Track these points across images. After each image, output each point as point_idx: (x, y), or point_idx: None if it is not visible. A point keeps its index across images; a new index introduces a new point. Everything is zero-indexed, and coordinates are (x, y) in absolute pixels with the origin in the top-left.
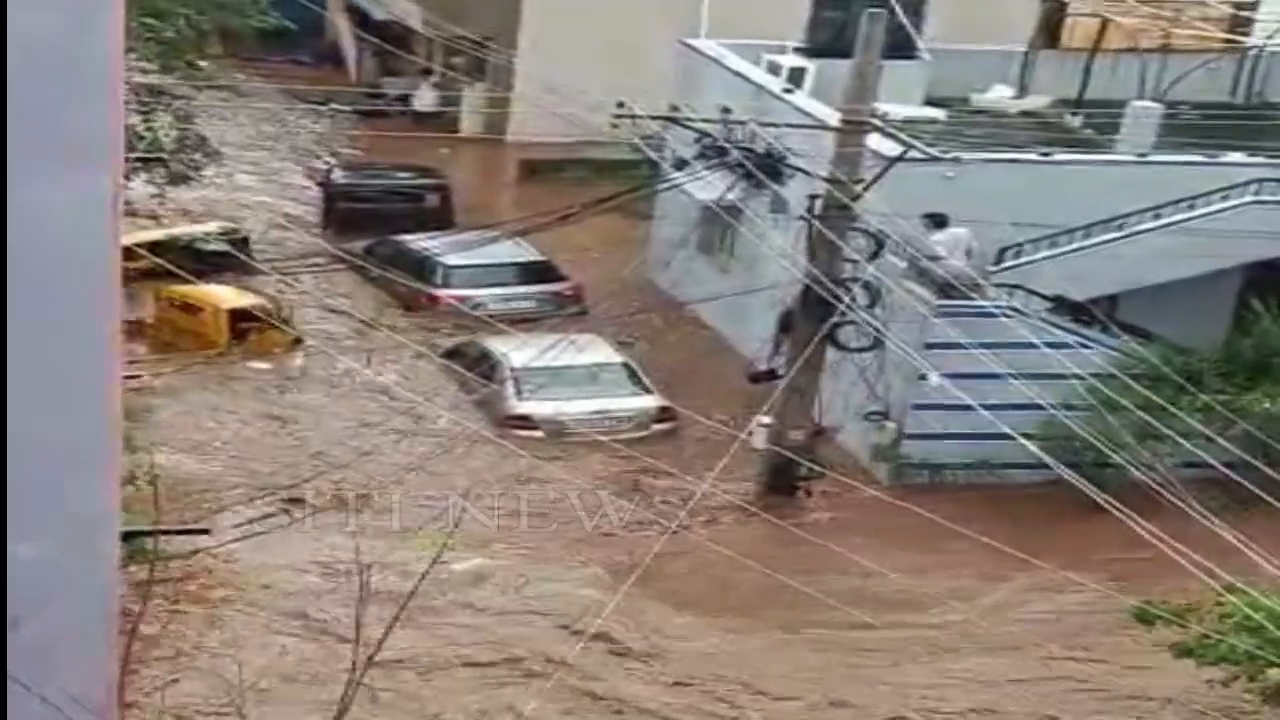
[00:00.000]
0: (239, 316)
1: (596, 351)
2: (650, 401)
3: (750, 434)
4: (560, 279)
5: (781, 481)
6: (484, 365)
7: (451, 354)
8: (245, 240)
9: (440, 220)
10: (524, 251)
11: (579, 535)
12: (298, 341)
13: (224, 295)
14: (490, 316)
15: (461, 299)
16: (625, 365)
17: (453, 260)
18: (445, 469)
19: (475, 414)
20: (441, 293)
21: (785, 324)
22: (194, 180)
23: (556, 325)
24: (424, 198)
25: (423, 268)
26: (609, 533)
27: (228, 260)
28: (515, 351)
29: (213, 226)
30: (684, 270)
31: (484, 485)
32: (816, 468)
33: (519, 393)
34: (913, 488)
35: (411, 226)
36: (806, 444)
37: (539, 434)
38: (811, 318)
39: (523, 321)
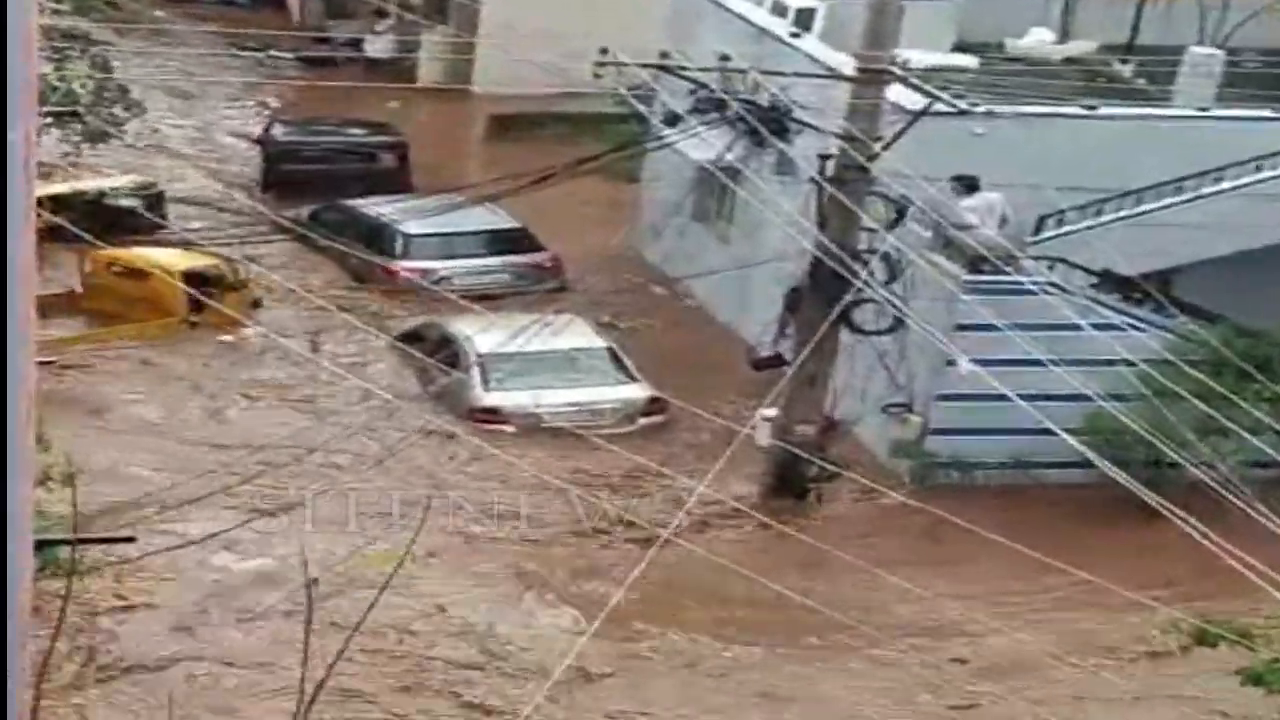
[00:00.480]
0: (193, 281)
1: (576, 334)
2: (637, 391)
3: (753, 428)
4: (537, 249)
5: (788, 483)
6: (446, 350)
7: (409, 337)
8: (160, 196)
9: (396, 183)
10: (496, 218)
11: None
12: (256, 304)
13: (173, 258)
14: (457, 292)
15: (423, 272)
16: (609, 350)
17: (413, 228)
18: (396, 467)
19: (436, 406)
20: (400, 265)
21: (792, 303)
22: (114, 137)
23: (531, 303)
24: (377, 157)
25: (379, 236)
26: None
27: (141, 219)
28: (482, 334)
29: (123, 180)
30: (677, 241)
31: (431, 486)
32: (829, 467)
33: (486, 381)
34: (939, 489)
35: (363, 190)
36: (817, 440)
37: (509, 428)
38: (823, 295)
39: (494, 298)
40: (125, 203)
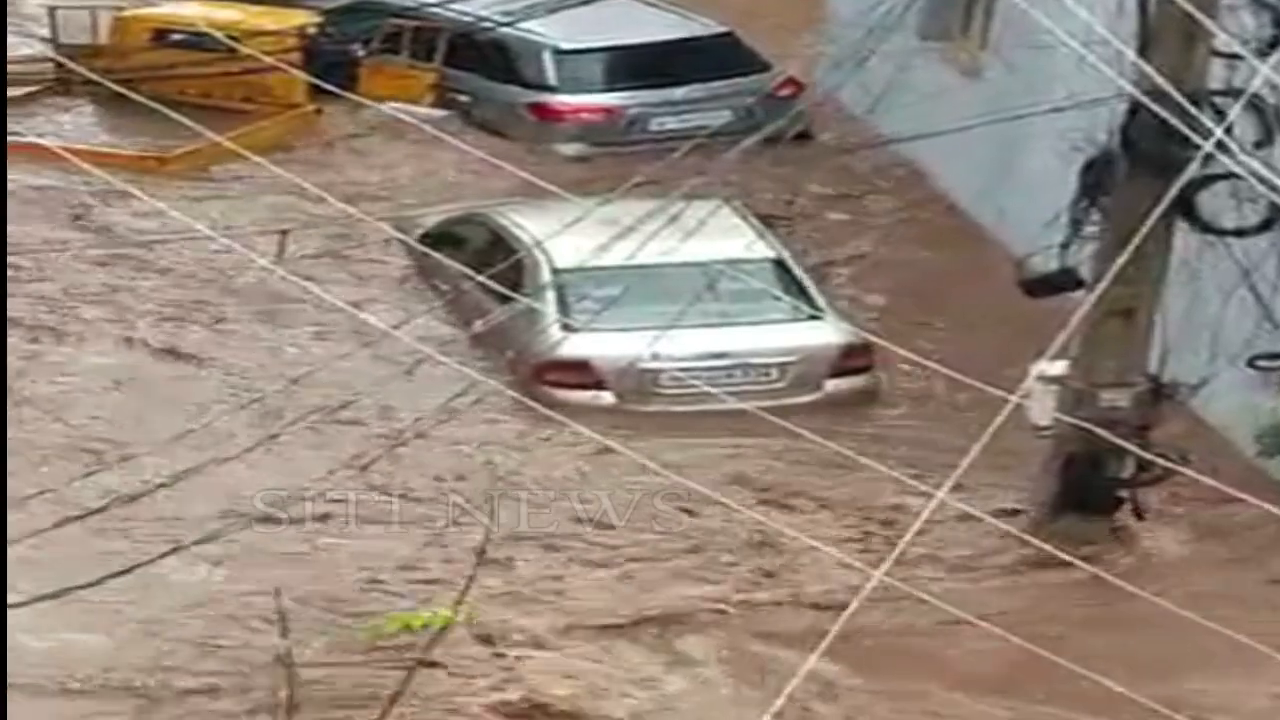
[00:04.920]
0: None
1: (722, 235)
2: (826, 334)
3: (1024, 397)
4: (762, 67)
5: (1086, 489)
6: (498, 260)
7: (439, 238)
8: None
9: None
10: (684, 20)
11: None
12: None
13: (238, 14)
14: (660, 140)
15: (607, 112)
16: (777, 264)
17: (563, 39)
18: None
19: (479, 357)
20: (564, 102)
21: (1094, 182)
22: None
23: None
24: None
25: (496, 57)
26: None
27: None
28: (560, 237)
29: None
30: (892, 75)
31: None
32: (1156, 461)
33: (567, 315)
34: None
35: None
36: (1137, 416)
37: (606, 397)
38: (1145, 169)
39: (734, 143)
40: None
